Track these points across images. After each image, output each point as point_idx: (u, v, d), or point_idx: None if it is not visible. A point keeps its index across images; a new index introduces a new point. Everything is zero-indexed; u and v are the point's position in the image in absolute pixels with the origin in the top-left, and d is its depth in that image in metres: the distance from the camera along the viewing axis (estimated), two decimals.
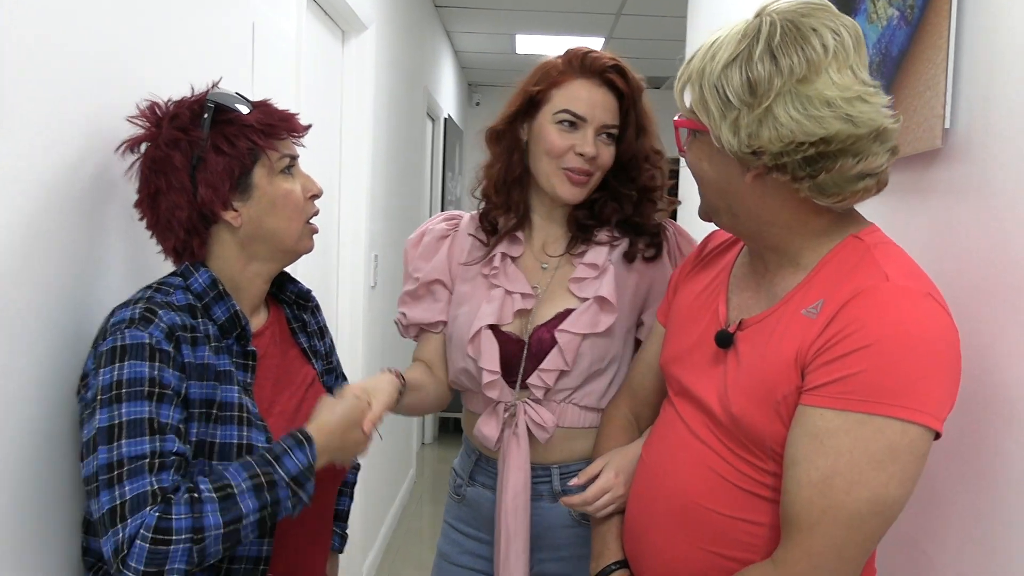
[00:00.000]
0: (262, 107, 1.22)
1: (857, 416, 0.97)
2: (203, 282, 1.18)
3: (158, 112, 1.19)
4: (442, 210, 5.97)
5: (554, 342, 1.46)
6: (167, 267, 1.26)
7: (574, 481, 1.36)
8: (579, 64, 1.47)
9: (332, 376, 1.47)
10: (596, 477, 1.32)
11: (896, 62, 1.31)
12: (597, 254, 1.51)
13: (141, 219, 1.22)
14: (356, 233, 3.13)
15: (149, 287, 1.18)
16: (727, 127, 1.01)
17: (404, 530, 4.23)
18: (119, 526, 1.00)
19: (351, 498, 1.57)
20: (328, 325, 1.50)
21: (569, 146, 1.45)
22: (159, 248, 1.24)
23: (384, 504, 3.91)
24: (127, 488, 1.01)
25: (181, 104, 1.19)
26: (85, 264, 1.22)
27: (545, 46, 6.19)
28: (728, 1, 2.72)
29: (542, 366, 1.46)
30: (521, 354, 1.49)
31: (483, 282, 1.54)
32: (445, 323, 1.59)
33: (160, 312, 1.11)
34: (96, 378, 1.07)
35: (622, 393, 1.46)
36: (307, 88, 2.36)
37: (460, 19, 5.52)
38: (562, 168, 1.46)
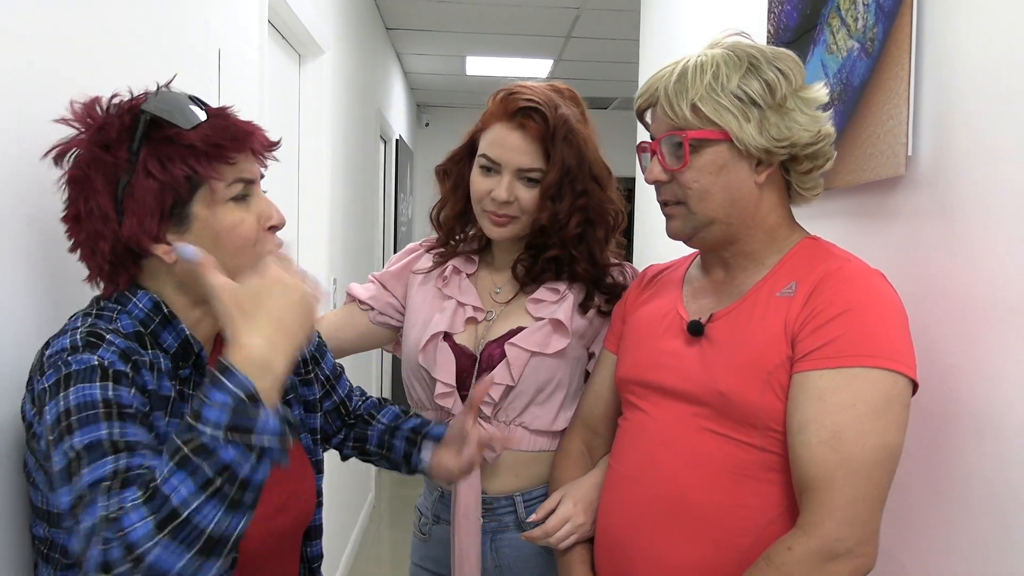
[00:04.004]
0: (217, 119, 1.01)
1: (854, 371, 1.06)
2: (144, 306, 1.00)
3: (91, 118, 0.99)
4: (395, 231, 5.97)
5: (504, 356, 1.45)
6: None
7: (532, 517, 1.37)
8: (500, 106, 1.45)
9: (332, 401, 1.38)
10: (554, 510, 1.34)
11: (858, 92, 1.37)
12: (558, 284, 1.50)
13: (69, 238, 1.02)
14: (316, 258, 3.10)
15: (87, 313, 0.99)
16: (752, 128, 1.12)
17: (365, 556, 4.18)
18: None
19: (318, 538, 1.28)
20: None
21: (488, 190, 1.45)
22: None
23: (345, 530, 3.86)
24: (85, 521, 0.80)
25: (115, 112, 0.99)
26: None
27: (495, 68, 6.24)
28: (680, 24, 2.80)
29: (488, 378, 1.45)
30: (473, 369, 1.48)
31: (436, 293, 1.55)
32: (373, 308, 1.62)
33: (108, 336, 0.93)
34: (41, 424, 0.88)
35: (574, 426, 1.45)
36: (268, 113, 2.35)
37: (411, 41, 5.53)
38: (485, 210, 1.48)
